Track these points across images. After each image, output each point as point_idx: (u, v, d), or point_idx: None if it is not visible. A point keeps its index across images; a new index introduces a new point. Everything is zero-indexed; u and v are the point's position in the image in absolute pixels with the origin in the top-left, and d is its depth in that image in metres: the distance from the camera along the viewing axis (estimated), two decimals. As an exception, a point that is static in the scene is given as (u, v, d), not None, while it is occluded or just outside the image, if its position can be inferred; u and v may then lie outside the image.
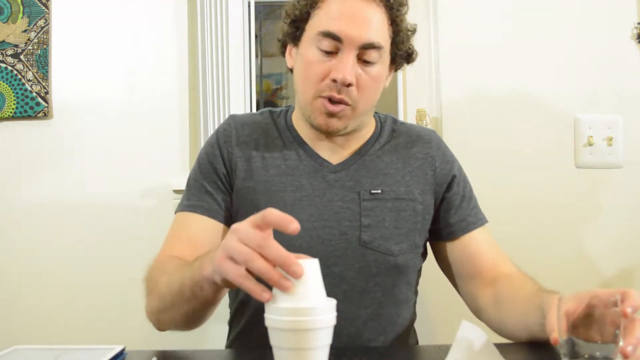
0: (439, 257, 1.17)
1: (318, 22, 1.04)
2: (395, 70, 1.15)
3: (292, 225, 0.67)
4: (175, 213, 1.11)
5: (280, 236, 1.04)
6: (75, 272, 1.75)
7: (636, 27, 1.76)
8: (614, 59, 1.77)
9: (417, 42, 1.88)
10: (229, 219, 1.10)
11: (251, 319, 1.10)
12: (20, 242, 1.76)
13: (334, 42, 1.01)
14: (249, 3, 1.85)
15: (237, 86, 1.83)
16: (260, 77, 2.68)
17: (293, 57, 1.11)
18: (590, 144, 1.76)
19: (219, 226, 1.08)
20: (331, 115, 1.04)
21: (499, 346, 0.78)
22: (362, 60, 1.03)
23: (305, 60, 1.05)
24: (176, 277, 0.88)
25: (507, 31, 1.77)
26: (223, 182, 1.10)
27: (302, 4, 1.07)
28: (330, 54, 1.02)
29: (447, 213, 1.13)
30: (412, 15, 1.89)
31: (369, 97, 1.05)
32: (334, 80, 1.01)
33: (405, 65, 1.15)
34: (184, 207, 1.10)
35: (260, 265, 0.67)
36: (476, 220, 1.14)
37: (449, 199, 1.13)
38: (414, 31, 1.11)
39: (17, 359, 0.84)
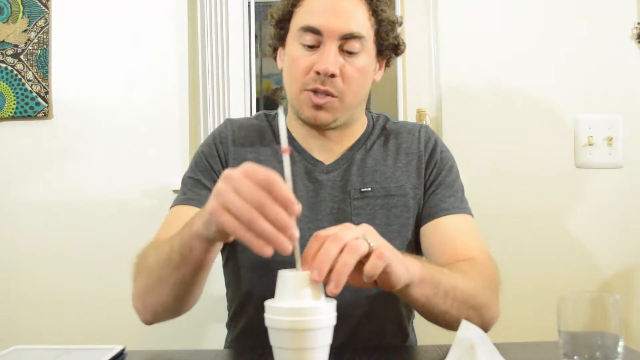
0: (419, 244, 1.13)
1: (299, 18, 1.06)
2: (387, 65, 1.15)
3: (295, 207, 0.66)
4: (170, 208, 1.11)
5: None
6: (75, 272, 1.75)
7: (636, 27, 1.76)
8: (614, 59, 1.77)
9: (417, 42, 1.89)
10: None
11: (249, 322, 1.10)
12: (20, 242, 1.76)
13: (315, 36, 1.03)
14: (249, 3, 1.85)
15: (237, 86, 1.83)
16: (260, 77, 2.68)
17: (282, 58, 1.13)
18: (590, 144, 1.76)
19: None
20: (318, 107, 1.04)
21: (498, 346, 0.78)
22: (345, 52, 1.04)
23: (290, 57, 1.07)
24: (165, 246, 0.86)
25: (508, 32, 1.77)
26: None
27: (284, 4, 1.09)
28: (313, 48, 1.04)
29: (424, 200, 1.11)
30: (412, 16, 1.91)
31: (355, 89, 1.05)
32: (318, 73, 1.02)
33: (395, 57, 1.15)
34: (179, 200, 1.09)
35: (265, 228, 0.65)
36: (451, 208, 1.09)
37: (427, 185, 1.12)
38: (397, 22, 1.11)
39: (17, 359, 0.84)
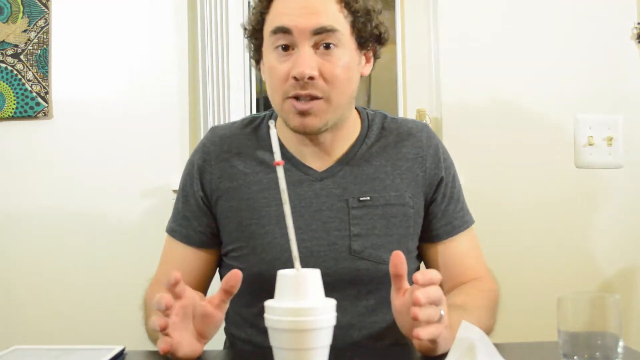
0: (423, 258, 1.15)
1: (269, 24, 1.03)
2: (375, 57, 1.11)
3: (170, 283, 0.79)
4: (166, 231, 1.15)
5: (269, 251, 1.03)
6: (75, 272, 1.75)
7: (636, 27, 1.76)
8: (614, 59, 1.77)
9: (417, 42, 1.89)
10: (214, 239, 1.10)
11: (248, 330, 1.09)
12: (20, 242, 1.76)
13: (287, 36, 0.99)
14: (249, 3, 1.85)
15: (237, 86, 1.83)
16: (260, 77, 2.68)
17: (263, 69, 1.10)
18: (590, 144, 1.76)
19: (196, 252, 1.10)
20: (303, 114, 1.00)
21: (498, 346, 0.78)
22: (321, 50, 0.99)
23: (267, 66, 1.04)
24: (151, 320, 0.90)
25: (507, 31, 1.77)
26: (200, 205, 1.10)
27: (254, 13, 1.06)
28: (287, 51, 1.00)
29: (434, 216, 1.10)
30: (412, 16, 1.91)
31: (340, 87, 1.01)
32: (296, 78, 0.98)
33: (380, 47, 1.10)
34: (168, 228, 1.14)
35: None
36: (462, 223, 1.11)
37: (436, 200, 1.10)
38: (375, 11, 1.06)
39: (17, 359, 0.84)
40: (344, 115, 1.07)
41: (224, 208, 1.08)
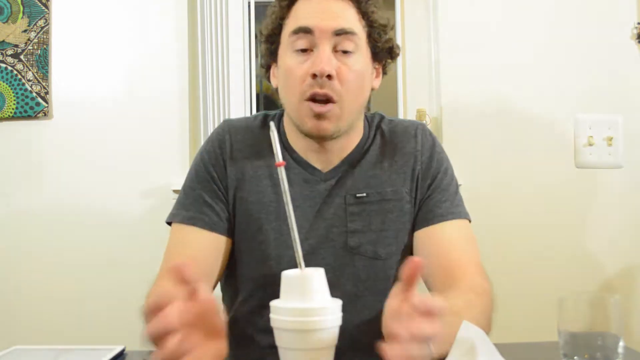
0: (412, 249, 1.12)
1: (289, 27, 1.04)
2: (384, 71, 1.13)
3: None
4: (171, 223, 1.07)
5: (275, 247, 1.03)
6: (75, 272, 1.75)
7: (636, 27, 1.76)
8: (614, 59, 1.77)
9: (417, 43, 1.89)
10: (231, 229, 1.08)
11: (245, 327, 1.09)
12: (20, 242, 1.76)
13: (308, 37, 1.01)
14: (249, 3, 1.85)
15: (237, 86, 1.83)
16: (260, 77, 2.68)
17: (275, 75, 1.10)
18: (590, 144, 1.76)
19: (221, 240, 1.05)
20: (319, 117, 1.01)
21: (499, 346, 0.78)
22: (340, 52, 1.01)
23: (284, 68, 1.04)
24: None
25: (507, 32, 1.77)
26: (221, 190, 1.08)
27: (273, 18, 1.07)
28: (306, 52, 1.01)
29: (421, 203, 1.09)
30: (412, 16, 1.91)
31: (354, 92, 1.03)
32: (314, 76, 0.99)
33: (391, 61, 1.13)
34: (182, 218, 1.05)
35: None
36: (446, 213, 1.07)
37: (423, 189, 1.10)
38: (389, 26, 1.08)
39: (17, 359, 0.84)
40: (354, 124, 1.08)
41: (237, 198, 1.07)
